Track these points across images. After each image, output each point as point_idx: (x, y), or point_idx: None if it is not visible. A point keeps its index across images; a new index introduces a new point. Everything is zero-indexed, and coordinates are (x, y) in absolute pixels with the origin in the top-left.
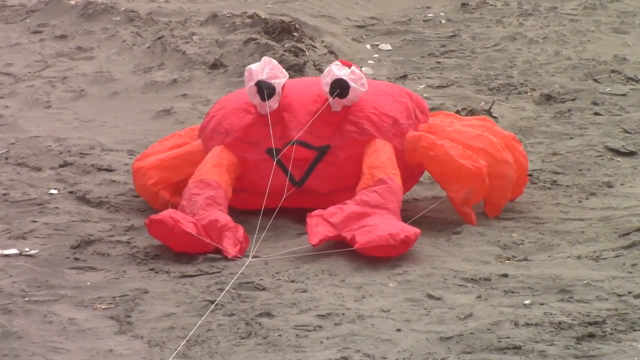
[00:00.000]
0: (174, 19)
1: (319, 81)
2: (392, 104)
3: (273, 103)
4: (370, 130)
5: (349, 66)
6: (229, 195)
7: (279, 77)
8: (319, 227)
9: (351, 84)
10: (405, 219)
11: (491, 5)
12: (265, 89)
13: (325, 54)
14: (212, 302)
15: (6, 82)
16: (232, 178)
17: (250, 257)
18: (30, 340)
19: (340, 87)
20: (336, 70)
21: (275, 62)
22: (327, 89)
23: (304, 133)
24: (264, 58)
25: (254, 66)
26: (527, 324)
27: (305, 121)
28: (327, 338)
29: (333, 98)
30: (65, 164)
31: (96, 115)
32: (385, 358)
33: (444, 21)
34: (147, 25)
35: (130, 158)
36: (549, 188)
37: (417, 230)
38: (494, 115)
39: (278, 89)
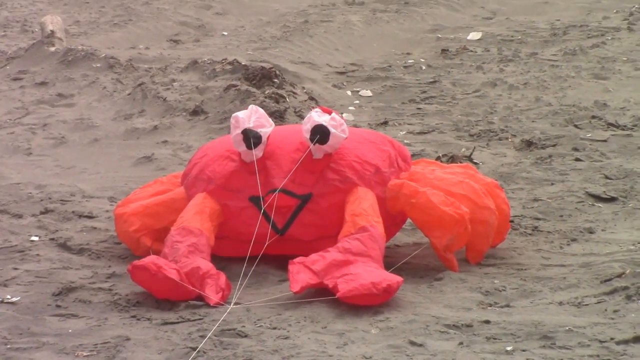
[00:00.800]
0: (154, 65)
1: (302, 129)
2: (374, 152)
3: (258, 152)
4: (352, 178)
5: (329, 113)
6: (212, 243)
7: (265, 126)
8: (300, 274)
9: (331, 129)
10: (387, 265)
11: (471, 51)
12: (252, 138)
13: (305, 100)
14: (194, 349)
15: None
16: (215, 225)
17: (232, 304)
18: None
19: (320, 133)
20: (316, 116)
21: (262, 111)
22: (307, 135)
23: (286, 181)
24: (250, 106)
25: (240, 114)
26: None
27: (287, 169)
28: None
29: (314, 144)
30: (46, 211)
31: (77, 162)
32: None
33: (424, 67)
34: (127, 72)
35: (111, 205)
36: (530, 234)
37: (399, 278)
38: (474, 161)
39: (264, 138)
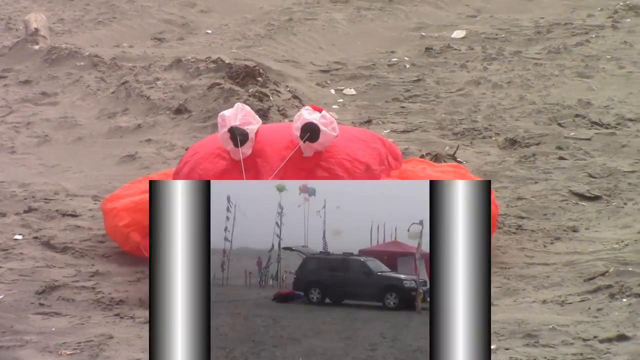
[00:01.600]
0: (138, 64)
1: (292, 127)
2: (364, 150)
3: (246, 149)
4: (342, 176)
5: (320, 111)
6: None
7: (252, 123)
8: None
9: (322, 127)
10: None
11: (455, 49)
12: (238, 135)
13: (289, 99)
14: None
15: None
16: None
17: None
18: None
19: (310, 131)
20: (306, 114)
21: (248, 108)
22: (297, 133)
23: (277, 179)
24: (236, 104)
25: (227, 112)
26: None
27: (277, 167)
28: None
29: (304, 142)
30: (29, 210)
31: (61, 160)
32: None
33: (408, 66)
34: (111, 70)
35: (94, 203)
36: (514, 233)
37: None
38: (458, 160)
39: (251, 135)
